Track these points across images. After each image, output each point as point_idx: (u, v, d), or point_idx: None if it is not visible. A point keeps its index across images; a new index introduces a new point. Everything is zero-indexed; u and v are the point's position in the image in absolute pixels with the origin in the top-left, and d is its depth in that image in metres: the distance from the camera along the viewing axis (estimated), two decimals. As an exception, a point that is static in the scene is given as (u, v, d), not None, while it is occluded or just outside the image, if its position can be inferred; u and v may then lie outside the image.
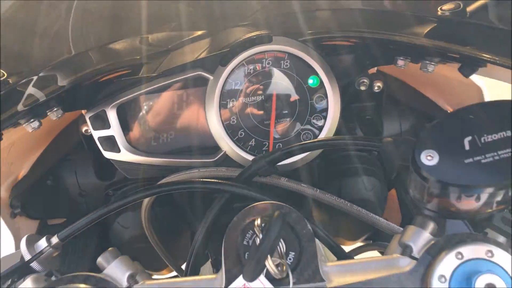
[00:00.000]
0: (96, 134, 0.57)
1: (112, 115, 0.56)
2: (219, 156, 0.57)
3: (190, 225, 0.71)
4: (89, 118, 0.57)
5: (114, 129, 0.56)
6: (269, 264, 0.37)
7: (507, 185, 0.36)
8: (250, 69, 0.56)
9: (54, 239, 0.46)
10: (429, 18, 0.49)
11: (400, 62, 0.56)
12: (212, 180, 0.48)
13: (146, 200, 0.59)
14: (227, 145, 0.56)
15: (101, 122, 0.56)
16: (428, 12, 0.50)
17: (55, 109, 0.54)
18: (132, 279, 0.41)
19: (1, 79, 0.48)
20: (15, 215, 0.69)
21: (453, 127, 0.39)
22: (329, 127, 0.58)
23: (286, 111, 0.58)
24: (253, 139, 0.57)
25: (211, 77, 0.55)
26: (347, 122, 0.65)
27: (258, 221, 0.38)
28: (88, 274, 0.40)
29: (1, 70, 0.49)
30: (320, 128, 0.57)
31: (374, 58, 0.58)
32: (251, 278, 0.37)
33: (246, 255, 0.38)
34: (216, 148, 0.57)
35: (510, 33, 0.43)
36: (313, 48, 0.55)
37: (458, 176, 0.38)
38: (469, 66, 0.51)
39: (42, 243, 0.47)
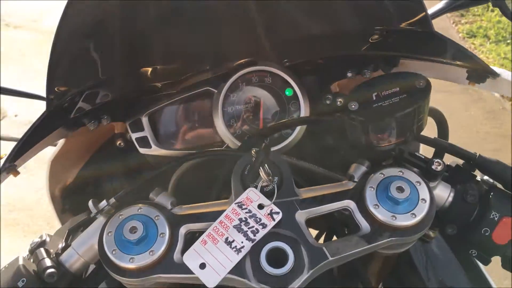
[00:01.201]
0: (134, 136, 0.74)
1: (145, 121, 0.73)
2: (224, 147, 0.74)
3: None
4: (129, 124, 0.74)
5: (147, 131, 0.73)
6: (262, 173, 0.53)
7: (399, 118, 0.54)
8: (244, 84, 0.75)
9: (112, 200, 0.62)
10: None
11: (349, 74, 0.75)
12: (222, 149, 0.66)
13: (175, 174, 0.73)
14: (228, 139, 0.73)
15: (137, 126, 0.74)
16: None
17: (105, 117, 0.71)
18: (173, 205, 0.57)
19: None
20: (64, 210, 0.84)
21: (368, 86, 0.58)
22: (296, 133, 0.75)
23: (270, 115, 0.76)
24: (247, 136, 0.74)
25: (215, 91, 0.73)
26: None
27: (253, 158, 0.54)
28: (146, 201, 0.55)
29: None
30: (295, 129, 0.74)
31: (329, 76, 0.77)
32: (252, 180, 0.52)
33: (246, 176, 0.54)
34: (223, 143, 0.74)
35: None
36: (285, 67, 0.74)
37: (370, 116, 0.57)
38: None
39: (103, 203, 0.62)
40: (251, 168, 0.54)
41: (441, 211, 0.57)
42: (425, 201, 0.51)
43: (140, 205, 0.54)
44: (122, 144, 0.79)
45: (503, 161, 0.57)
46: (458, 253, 0.76)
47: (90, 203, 0.61)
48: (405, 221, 0.51)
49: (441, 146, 0.60)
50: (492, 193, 0.56)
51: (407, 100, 0.55)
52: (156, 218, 0.53)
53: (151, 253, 0.50)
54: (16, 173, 0.63)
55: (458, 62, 0.56)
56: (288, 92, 0.73)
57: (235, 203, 0.52)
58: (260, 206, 0.52)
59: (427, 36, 0.60)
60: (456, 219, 0.57)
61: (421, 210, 0.51)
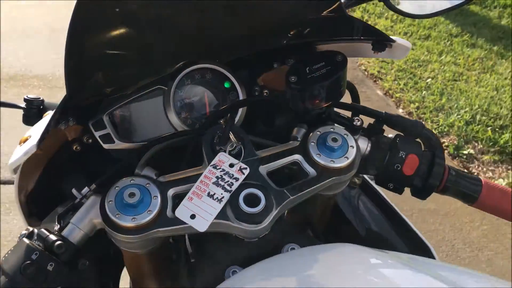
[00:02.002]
0: (97, 134, 0.82)
1: (106, 120, 0.82)
2: None
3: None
4: (92, 124, 0.82)
5: (109, 129, 0.82)
6: (232, 136, 0.66)
7: (327, 84, 0.70)
8: (189, 81, 0.87)
9: (93, 186, 0.70)
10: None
11: (275, 65, 0.90)
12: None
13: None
14: (181, 128, 0.84)
15: (99, 125, 0.82)
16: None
17: (71, 119, 0.79)
18: (157, 175, 0.67)
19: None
20: (31, 215, 0.89)
21: (302, 63, 0.74)
22: (240, 114, 0.89)
23: (214, 105, 0.89)
24: (197, 124, 0.86)
25: (166, 88, 0.84)
26: None
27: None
28: (134, 175, 0.65)
29: None
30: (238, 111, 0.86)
31: (258, 68, 0.92)
32: (221, 145, 0.64)
33: (218, 142, 0.66)
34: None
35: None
36: (222, 63, 0.87)
37: (306, 85, 0.73)
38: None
39: (86, 189, 0.70)
40: (223, 133, 0.66)
41: (363, 158, 0.74)
42: (353, 147, 0.68)
43: (131, 177, 0.64)
44: (78, 148, 0.87)
45: (403, 115, 0.76)
46: (380, 206, 0.94)
47: (74, 190, 0.70)
48: (341, 163, 0.66)
49: (357, 108, 0.77)
50: (398, 139, 0.74)
51: (331, 71, 0.71)
52: (147, 185, 0.63)
53: (149, 212, 0.61)
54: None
55: (365, 38, 0.73)
56: (227, 85, 0.86)
57: (211, 165, 0.65)
58: (231, 165, 0.65)
59: (341, 20, 0.77)
60: (375, 162, 0.74)
61: (351, 154, 0.67)
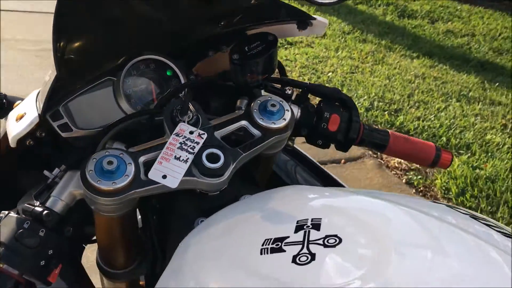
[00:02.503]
0: (55, 124, 0.88)
1: (62, 110, 0.88)
2: None
3: None
4: (49, 116, 0.88)
5: (66, 118, 0.88)
6: (191, 106, 0.77)
7: (263, 60, 0.84)
8: (135, 71, 0.96)
9: (63, 167, 0.77)
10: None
11: (210, 53, 1.02)
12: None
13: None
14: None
15: (57, 116, 0.88)
16: None
17: None
18: (126, 147, 0.75)
19: None
20: None
21: (242, 42, 0.86)
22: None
23: (159, 91, 0.98)
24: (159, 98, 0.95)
25: (115, 79, 0.93)
26: None
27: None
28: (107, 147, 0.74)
29: None
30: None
31: (195, 57, 1.03)
32: (182, 113, 0.75)
33: (178, 115, 0.76)
34: None
35: None
36: (164, 54, 0.96)
37: (247, 61, 0.85)
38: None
39: (56, 170, 0.77)
40: (182, 106, 0.77)
41: (296, 122, 0.89)
42: (289, 111, 0.82)
43: (105, 150, 0.73)
44: (32, 142, 0.93)
45: (324, 84, 0.91)
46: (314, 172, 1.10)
47: (46, 172, 0.78)
48: (280, 124, 0.80)
49: (286, 81, 0.91)
50: (321, 103, 0.89)
51: (265, 48, 0.85)
52: (120, 154, 0.73)
53: (126, 177, 0.70)
54: None
55: (290, 19, 0.88)
56: (169, 73, 0.97)
57: (174, 134, 0.76)
58: (191, 132, 0.76)
59: (269, 5, 0.90)
60: (305, 124, 0.89)
61: (288, 116, 0.81)
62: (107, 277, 0.92)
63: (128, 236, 0.85)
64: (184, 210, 0.80)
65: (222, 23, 0.94)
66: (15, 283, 0.68)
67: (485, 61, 4.47)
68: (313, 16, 0.88)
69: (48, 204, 0.73)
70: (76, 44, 0.83)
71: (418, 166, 2.90)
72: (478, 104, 3.59)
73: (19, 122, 0.78)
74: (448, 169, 2.82)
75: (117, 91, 0.92)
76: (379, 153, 3.04)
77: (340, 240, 0.57)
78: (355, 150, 3.04)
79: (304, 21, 0.89)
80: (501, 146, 3.06)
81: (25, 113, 0.77)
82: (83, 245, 1.03)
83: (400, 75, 3.93)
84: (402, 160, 2.92)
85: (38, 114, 0.76)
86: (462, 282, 0.48)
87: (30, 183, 0.94)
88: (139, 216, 0.92)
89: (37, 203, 0.74)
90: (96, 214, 0.78)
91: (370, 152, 3.05)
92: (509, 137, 3.20)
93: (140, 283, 1.09)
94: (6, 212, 0.75)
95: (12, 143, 0.79)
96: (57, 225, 0.72)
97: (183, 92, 0.81)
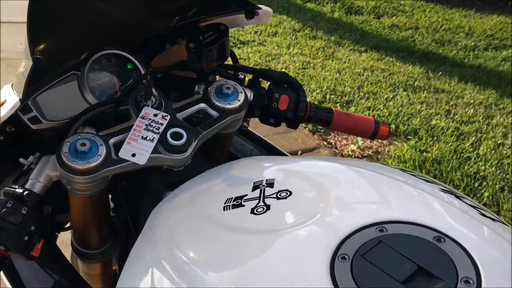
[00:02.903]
0: (25, 117, 0.94)
1: (31, 104, 0.94)
2: None
3: None
4: (19, 110, 0.94)
5: (35, 111, 0.94)
6: (154, 91, 0.84)
7: (216, 47, 0.93)
8: (97, 65, 1.03)
9: (37, 154, 0.84)
10: None
11: (167, 46, 1.10)
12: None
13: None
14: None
15: (26, 109, 0.94)
16: None
17: None
18: (96, 131, 0.82)
19: None
20: None
21: (197, 31, 0.94)
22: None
23: (121, 84, 1.06)
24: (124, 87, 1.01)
25: (79, 73, 0.99)
26: None
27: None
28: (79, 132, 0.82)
29: None
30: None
31: (153, 50, 1.11)
32: (146, 98, 0.83)
33: (142, 100, 0.84)
34: None
35: None
36: (124, 48, 1.03)
37: (202, 48, 0.94)
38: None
39: (31, 158, 0.83)
40: (146, 91, 0.85)
41: (249, 104, 0.98)
42: (242, 93, 0.91)
43: (77, 134, 0.81)
44: (1, 138, 0.99)
45: (273, 69, 1.01)
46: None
47: (22, 159, 0.84)
48: (235, 104, 0.89)
49: (238, 67, 1.00)
50: (271, 86, 0.99)
51: (218, 37, 0.94)
52: (92, 137, 0.80)
53: (98, 156, 0.78)
54: None
55: (239, 9, 0.97)
56: (129, 66, 1.04)
57: (140, 117, 0.84)
58: (155, 115, 0.84)
59: None
60: (258, 105, 0.98)
61: (241, 97, 0.90)
62: (82, 258, 0.99)
63: (101, 216, 0.93)
64: (153, 186, 0.88)
65: (177, 17, 1.02)
66: (1, 258, 0.74)
67: (429, 52, 4.71)
68: (258, 5, 0.98)
69: (27, 186, 0.79)
70: (44, 43, 0.90)
71: (370, 153, 3.06)
72: (423, 93, 3.79)
73: (2, 108, 0.84)
74: (398, 153, 2.99)
75: (82, 84, 0.98)
76: (333, 143, 3.19)
77: (291, 193, 0.66)
78: (310, 141, 3.17)
79: (251, 11, 0.98)
80: (445, 130, 3.26)
81: (5, 100, 0.83)
82: (56, 233, 1.10)
83: (350, 68, 4.09)
84: (355, 148, 3.08)
85: (19, 99, 0.82)
86: (392, 215, 0.58)
87: (2, 175, 1.00)
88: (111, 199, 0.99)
89: (17, 186, 0.80)
90: (71, 195, 0.85)
91: (325, 143, 3.18)
92: (452, 122, 3.40)
93: (113, 268, 1.16)
94: None
95: None
96: (37, 204, 0.78)
97: (146, 80, 0.89)
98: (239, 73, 0.98)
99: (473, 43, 4.91)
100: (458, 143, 3.12)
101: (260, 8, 0.98)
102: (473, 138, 3.19)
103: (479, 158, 2.99)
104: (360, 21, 5.30)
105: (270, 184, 0.70)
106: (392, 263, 0.51)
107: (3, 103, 0.83)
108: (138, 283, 0.67)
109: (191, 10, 1.00)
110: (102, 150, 0.79)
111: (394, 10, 5.64)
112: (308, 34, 4.77)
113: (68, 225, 1.03)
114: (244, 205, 0.67)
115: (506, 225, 0.61)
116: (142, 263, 0.70)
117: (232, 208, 0.67)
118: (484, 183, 2.77)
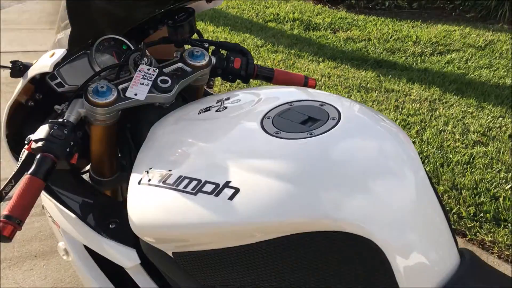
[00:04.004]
0: (53, 83, 1.29)
1: (57, 73, 1.29)
2: None
3: None
4: (48, 77, 1.29)
5: (60, 79, 1.29)
6: (147, 52, 1.22)
7: (188, 23, 1.33)
8: (101, 47, 1.39)
9: (66, 103, 1.20)
10: None
11: (151, 32, 1.48)
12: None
13: None
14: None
15: (53, 78, 1.29)
16: None
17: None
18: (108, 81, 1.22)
19: None
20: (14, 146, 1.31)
21: (172, 15, 1.37)
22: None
23: (119, 58, 1.42)
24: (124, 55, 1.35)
25: (89, 52, 1.36)
26: None
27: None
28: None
29: None
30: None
31: (140, 35, 1.48)
32: (141, 58, 1.21)
33: (138, 60, 1.22)
34: None
35: None
36: (119, 34, 1.39)
37: (176, 24, 1.34)
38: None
39: (62, 105, 1.20)
40: (141, 53, 1.24)
41: (213, 67, 1.37)
42: (207, 55, 1.29)
43: (97, 82, 1.18)
44: (32, 103, 1.35)
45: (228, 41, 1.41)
46: None
47: (56, 106, 1.21)
48: (203, 62, 1.27)
49: (203, 40, 1.39)
50: (228, 53, 1.39)
51: (188, 16, 1.33)
52: (107, 84, 1.18)
53: (112, 95, 1.15)
54: None
55: None
56: (124, 47, 1.42)
57: (138, 71, 1.21)
58: (148, 69, 1.23)
59: None
60: (219, 66, 1.37)
61: (207, 58, 1.28)
62: (97, 184, 1.35)
63: (111, 147, 1.29)
64: (149, 118, 1.26)
65: (157, 10, 1.42)
66: (52, 163, 1.10)
67: (381, 59, 5.20)
68: None
69: (64, 118, 1.16)
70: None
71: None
72: (375, 93, 4.24)
73: (53, 57, 1.20)
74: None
75: (91, 60, 1.36)
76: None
77: (240, 100, 1.05)
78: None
79: None
80: (394, 121, 3.71)
81: (54, 53, 1.20)
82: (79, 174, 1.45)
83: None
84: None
85: (65, 49, 1.18)
86: (296, 97, 0.98)
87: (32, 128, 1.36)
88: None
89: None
90: (93, 128, 1.21)
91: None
92: (400, 115, 3.85)
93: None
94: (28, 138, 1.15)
95: (50, 68, 1.17)
96: (72, 129, 1.15)
97: (139, 47, 1.27)
98: (205, 43, 1.37)
99: (420, 50, 5.42)
100: (405, 131, 3.56)
101: None
102: (418, 127, 3.64)
103: (423, 142, 3.43)
104: (317, 36, 5.80)
105: (227, 98, 1.09)
106: (295, 117, 0.91)
107: (53, 54, 1.20)
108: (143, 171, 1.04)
109: (170, 1, 1.39)
110: (115, 92, 1.16)
111: (348, 25, 6.16)
112: (270, 49, 5.23)
113: (86, 168, 1.39)
114: (211, 110, 1.06)
115: (366, 106, 1.02)
116: (145, 159, 1.08)
117: (204, 112, 1.06)
118: (427, 161, 3.20)
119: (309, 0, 7.20)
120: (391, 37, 5.78)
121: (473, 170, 3.08)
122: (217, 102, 1.10)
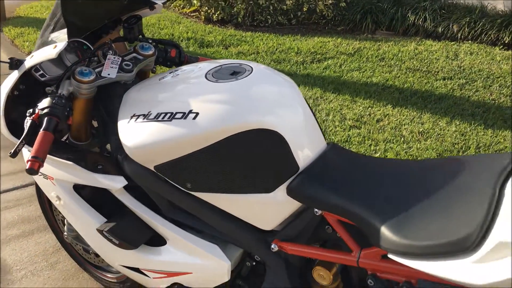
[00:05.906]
0: (37, 74, 1.70)
1: (39, 66, 1.70)
2: None
3: None
4: (33, 70, 1.71)
5: (42, 70, 1.72)
6: (113, 47, 1.71)
7: (137, 25, 1.84)
8: (68, 47, 1.84)
9: (54, 87, 1.63)
10: None
11: (111, 31, 1.95)
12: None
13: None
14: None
15: (37, 70, 1.70)
16: None
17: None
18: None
19: None
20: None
21: (125, 20, 1.82)
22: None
23: (80, 56, 1.89)
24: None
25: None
26: None
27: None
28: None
29: None
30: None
31: (99, 37, 1.95)
32: (109, 50, 1.69)
33: (106, 52, 1.70)
34: None
35: None
36: (80, 37, 1.87)
37: (128, 27, 1.85)
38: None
39: (52, 87, 1.63)
40: (109, 46, 1.72)
41: (156, 56, 1.89)
42: (152, 47, 1.82)
43: (81, 66, 1.64)
44: (16, 92, 1.77)
45: (164, 38, 1.94)
46: None
47: (48, 88, 1.66)
48: (150, 52, 1.78)
49: (148, 38, 1.91)
50: (164, 46, 1.92)
51: (137, 20, 1.81)
52: (88, 68, 1.65)
53: (92, 75, 1.61)
54: None
55: (147, 5, 1.88)
56: (85, 47, 1.89)
57: (107, 59, 1.67)
58: (114, 58, 1.71)
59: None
60: (160, 56, 1.89)
61: (153, 49, 1.81)
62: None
63: (88, 117, 1.76)
64: (117, 92, 1.73)
65: (112, 15, 1.90)
66: (56, 123, 1.54)
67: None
68: (155, 1, 1.91)
69: (59, 92, 1.61)
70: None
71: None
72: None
73: (56, 48, 1.64)
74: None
75: (62, 56, 1.81)
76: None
77: (186, 69, 1.60)
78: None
79: (153, 6, 1.91)
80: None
81: (56, 45, 1.64)
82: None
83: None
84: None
85: (67, 41, 1.63)
86: (227, 62, 1.56)
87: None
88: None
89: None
90: (77, 101, 1.67)
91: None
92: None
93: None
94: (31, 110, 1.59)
95: (56, 55, 1.55)
96: (66, 99, 1.60)
97: (107, 42, 1.77)
98: (149, 40, 1.89)
99: (302, 59, 6.24)
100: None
101: (156, 3, 1.91)
102: (305, 118, 4.34)
103: (310, 129, 4.13)
104: (212, 52, 6.42)
105: (177, 70, 1.63)
106: (225, 72, 1.48)
107: (56, 46, 1.64)
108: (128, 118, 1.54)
109: (122, 9, 1.89)
110: (93, 74, 1.63)
111: (238, 41, 6.86)
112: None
113: (65, 137, 1.83)
114: (167, 77, 1.59)
115: (288, 81, 1.61)
116: (126, 114, 1.58)
117: (163, 78, 1.59)
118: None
119: (199, 21, 7.85)
120: (276, 49, 6.57)
121: (350, 146, 3.83)
122: (170, 73, 1.63)
